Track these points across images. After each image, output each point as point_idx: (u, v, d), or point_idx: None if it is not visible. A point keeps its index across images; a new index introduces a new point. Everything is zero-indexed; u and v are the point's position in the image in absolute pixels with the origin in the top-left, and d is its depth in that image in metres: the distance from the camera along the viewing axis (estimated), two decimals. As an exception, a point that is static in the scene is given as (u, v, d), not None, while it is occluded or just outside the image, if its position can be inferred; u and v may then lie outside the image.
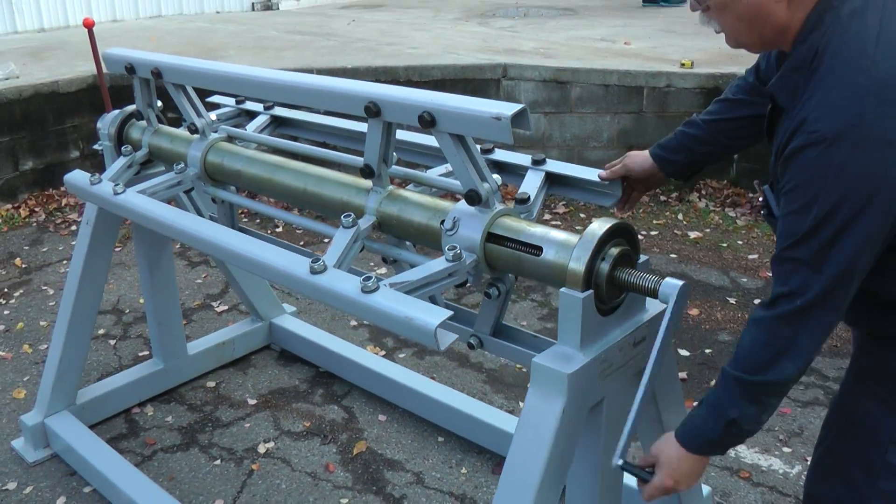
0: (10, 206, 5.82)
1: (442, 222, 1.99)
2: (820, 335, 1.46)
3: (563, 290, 1.70)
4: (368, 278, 1.81)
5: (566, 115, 5.76)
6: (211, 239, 2.19)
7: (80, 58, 6.73)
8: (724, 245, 4.89)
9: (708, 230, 5.14)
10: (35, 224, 5.58)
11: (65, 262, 4.93)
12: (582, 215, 5.41)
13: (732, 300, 4.23)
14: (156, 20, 9.29)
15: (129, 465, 2.85)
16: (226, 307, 4.31)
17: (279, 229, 5.28)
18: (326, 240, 2.35)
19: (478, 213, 1.96)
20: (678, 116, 5.52)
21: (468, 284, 2.00)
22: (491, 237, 1.92)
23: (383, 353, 3.76)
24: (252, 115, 2.97)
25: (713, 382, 3.38)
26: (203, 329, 4.02)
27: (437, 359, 3.74)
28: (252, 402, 3.42)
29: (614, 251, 1.72)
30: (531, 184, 2.15)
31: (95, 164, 6.09)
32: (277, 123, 2.93)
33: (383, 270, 4.28)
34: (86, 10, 8.86)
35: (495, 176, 2.03)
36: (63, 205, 5.87)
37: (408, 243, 2.22)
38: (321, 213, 2.40)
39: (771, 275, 1.52)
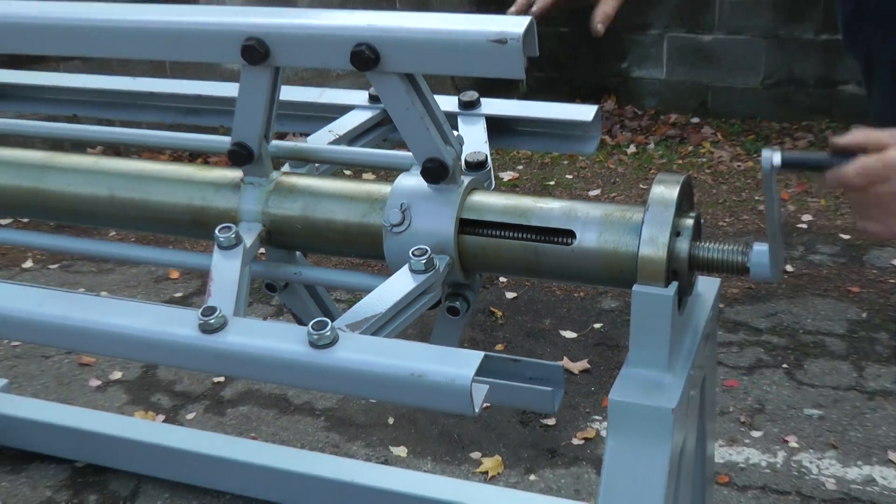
0: None
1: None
2: None
3: (637, 288, 1.09)
4: (322, 325, 1.08)
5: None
6: None
7: None
8: (552, 183, 4.35)
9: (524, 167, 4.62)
10: None
11: None
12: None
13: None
14: None
15: None
16: None
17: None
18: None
19: (436, 193, 1.27)
20: None
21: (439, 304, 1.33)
22: (467, 225, 1.26)
23: (163, 417, 2.70)
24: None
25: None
26: None
27: (244, 409, 2.74)
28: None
29: (688, 222, 1.16)
30: (471, 138, 1.49)
31: None
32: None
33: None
34: None
35: (456, 134, 1.35)
36: None
37: (298, 255, 1.48)
38: (142, 232, 1.58)
39: None
